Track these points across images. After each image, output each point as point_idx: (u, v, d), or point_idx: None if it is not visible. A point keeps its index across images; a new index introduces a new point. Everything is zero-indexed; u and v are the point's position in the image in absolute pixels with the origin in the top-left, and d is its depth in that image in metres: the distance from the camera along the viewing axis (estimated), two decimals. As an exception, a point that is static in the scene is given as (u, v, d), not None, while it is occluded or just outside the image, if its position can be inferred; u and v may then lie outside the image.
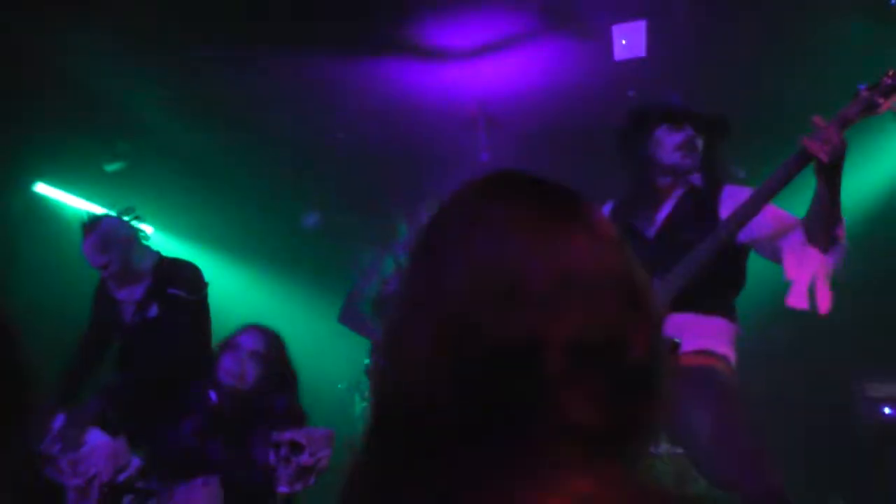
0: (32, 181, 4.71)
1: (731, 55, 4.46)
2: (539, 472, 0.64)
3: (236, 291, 5.31)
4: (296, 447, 1.85)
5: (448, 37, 4.47)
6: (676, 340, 2.10)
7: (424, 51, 4.55)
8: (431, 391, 0.68)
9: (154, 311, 3.05)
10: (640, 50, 4.51)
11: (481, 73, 4.75)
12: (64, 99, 4.39)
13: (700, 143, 2.52)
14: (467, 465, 0.65)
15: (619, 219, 2.56)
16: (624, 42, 4.49)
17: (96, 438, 2.41)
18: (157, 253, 3.29)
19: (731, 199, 2.45)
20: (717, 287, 2.46)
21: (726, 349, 2.43)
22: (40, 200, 4.75)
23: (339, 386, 5.05)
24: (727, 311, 2.50)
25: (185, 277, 3.11)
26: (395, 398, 0.72)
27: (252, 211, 5.62)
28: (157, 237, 5.55)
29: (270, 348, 2.81)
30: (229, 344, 2.80)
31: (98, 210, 4.27)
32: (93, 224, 3.09)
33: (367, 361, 5.14)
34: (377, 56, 4.60)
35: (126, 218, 3.19)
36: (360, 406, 5.04)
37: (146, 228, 5.43)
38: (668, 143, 2.49)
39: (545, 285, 0.68)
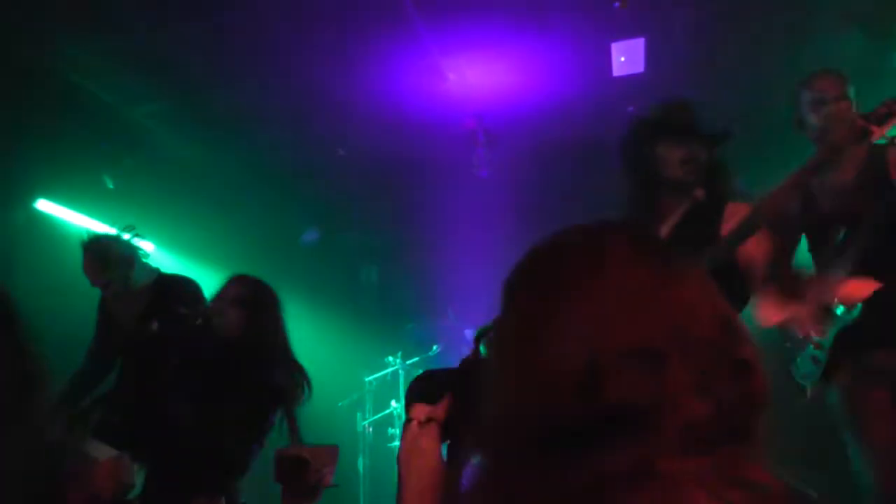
0: (34, 198, 4.71)
1: (728, 71, 4.50)
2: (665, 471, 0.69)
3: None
4: (300, 463, 1.85)
5: (447, 54, 4.50)
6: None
7: (423, 67, 4.58)
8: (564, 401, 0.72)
9: (154, 326, 3.06)
10: (639, 66, 4.56)
11: (481, 89, 4.78)
12: (66, 115, 4.41)
13: (703, 157, 2.50)
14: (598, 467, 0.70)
15: None
16: (623, 59, 4.53)
17: (98, 452, 2.39)
18: (157, 270, 3.32)
19: (734, 216, 2.43)
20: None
21: None
22: (41, 217, 4.75)
23: (340, 404, 5.03)
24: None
25: (184, 294, 3.13)
26: (522, 409, 0.76)
27: (253, 227, 5.63)
28: (159, 254, 5.55)
29: (254, 294, 2.82)
30: (215, 296, 2.85)
31: (99, 227, 4.28)
32: (92, 243, 3.12)
33: (367, 379, 5.14)
34: (377, 72, 4.62)
35: (126, 236, 3.20)
36: (362, 424, 5.02)
37: (147, 245, 5.48)
38: (671, 159, 2.46)
39: (666, 340, 0.74)
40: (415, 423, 1.12)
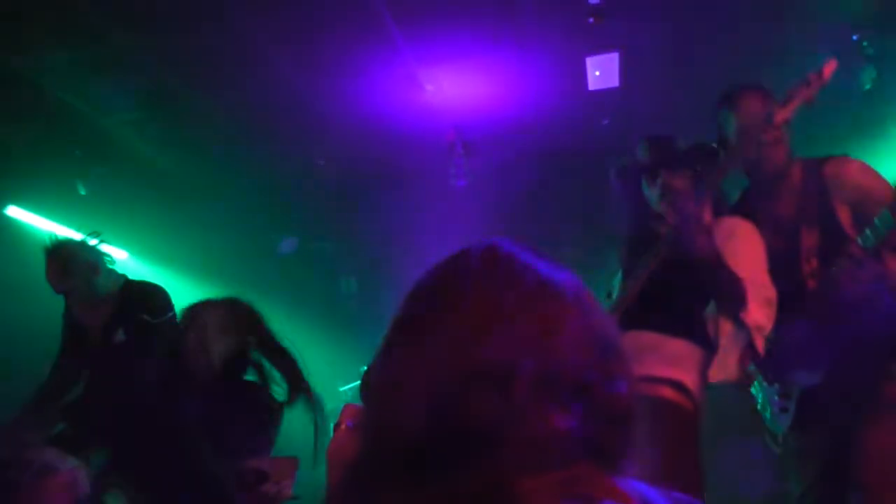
0: (4, 204, 4.66)
1: (701, 83, 4.53)
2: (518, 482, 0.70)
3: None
4: (259, 475, 1.83)
5: (425, 65, 4.52)
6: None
7: (401, 78, 4.59)
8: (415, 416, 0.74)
9: (120, 335, 3.02)
10: (614, 80, 4.60)
11: (458, 100, 4.80)
12: (37, 121, 4.37)
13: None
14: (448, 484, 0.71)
15: (624, 264, 2.58)
16: (598, 73, 4.57)
17: (56, 462, 2.35)
18: (123, 276, 3.25)
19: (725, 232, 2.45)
20: (678, 304, 2.41)
21: (686, 375, 2.36)
22: (12, 223, 4.70)
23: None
24: (692, 331, 2.44)
25: (150, 301, 3.08)
26: (385, 429, 0.77)
27: (227, 235, 5.59)
28: (132, 262, 5.50)
29: (237, 320, 2.58)
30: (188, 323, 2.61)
31: (70, 233, 4.23)
32: (55, 248, 3.04)
33: (342, 389, 5.11)
34: (355, 82, 4.63)
35: (91, 242, 3.15)
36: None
37: (120, 253, 5.42)
38: (650, 195, 2.52)
39: (530, 333, 0.75)
40: (342, 426, 1.12)
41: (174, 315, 3.07)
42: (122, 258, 5.43)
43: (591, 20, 4.25)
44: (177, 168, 5.17)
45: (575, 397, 0.74)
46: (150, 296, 3.09)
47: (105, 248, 3.24)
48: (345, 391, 5.25)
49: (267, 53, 4.30)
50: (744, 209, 2.55)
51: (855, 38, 4.17)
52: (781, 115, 2.27)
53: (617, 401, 0.77)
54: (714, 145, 2.56)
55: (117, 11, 3.83)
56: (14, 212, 4.71)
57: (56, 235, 3.20)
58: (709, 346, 2.40)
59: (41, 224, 4.83)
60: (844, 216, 2.33)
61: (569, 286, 0.82)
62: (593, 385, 0.76)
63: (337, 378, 5.34)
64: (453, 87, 4.71)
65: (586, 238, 4.65)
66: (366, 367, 5.46)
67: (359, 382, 5.07)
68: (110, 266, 3.18)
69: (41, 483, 2.06)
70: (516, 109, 4.78)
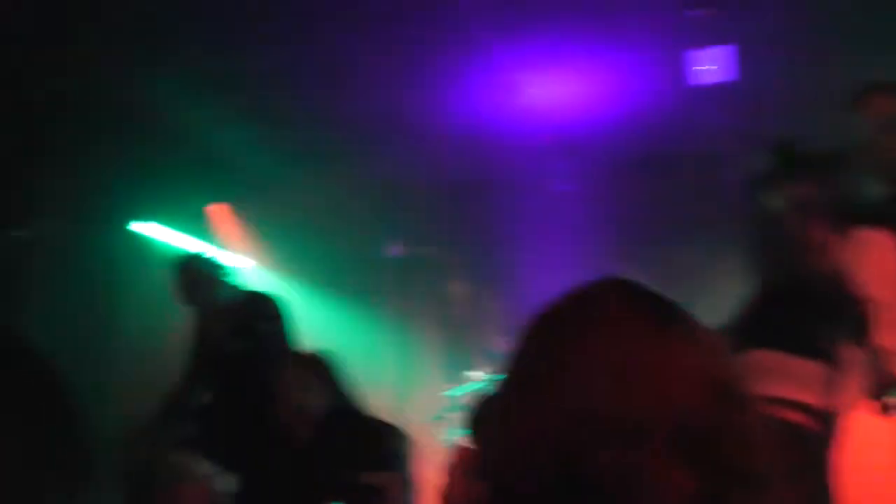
0: (130, 219, 5.00)
1: (823, 76, 4.26)
2: None
3: (324, 322, 5.48)
4: (369, 489, 1.87)
5: (522, 69, 4.48)
6: None
7: (500, 83, 4.58)
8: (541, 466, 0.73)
9: (239, 343, 3.18)
10: (729, 74, 4.39)
11: (561, 102, 4.73)
12: (157, 142, 4.66)
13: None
14: None
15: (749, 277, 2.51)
16: (707, 67, 4.38)
17: (192, 468, 2.49)
18: (240, 287, 3.44)
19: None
20: (805, 321, 2.30)
21: (815, 397, 2.23)
22: (138, 238, 5.03)
23: (420, 420, 5.05)
24: (821, 351, 2.31)
25: (265, 310, 3.24)
26: (508, 482, 0.76)
27: (342, 243, 5.78)
28: (255, 270, 5.80)
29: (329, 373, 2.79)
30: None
31: (197, 245, 4.50)
32: (180, 266, 3.28)
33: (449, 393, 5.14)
34: (455, 90, 4.66)
35: (210, 257, 3.35)
36: (449, 438, 5.03)
37: (243, 261, 5.73)
38: (774, 207, 2.41)
39: (654, 408, 0.73)
40: (457, 473, 1.10)
41: (285, 322, 3.22)
42: (247, 267, 5.76)
43: (699, 12, 4.11)
44: (293, 181, 5.40)
45: (704, 453, 0.72)
46: (265, 305, 3.25)
47: (230, 257, 3.43)
48: (450, 395, 5.29)
49: (368, 67, 4.41)
50: (882, 219, 2.38)
51: None
52: None
53: (740, 456, 0.74)
54: (845, 150, 2.41)
55: (219, 39, 4.04)
56: (139, 226, 5.04)
57: (182, 251, 3.44)
58: (846, 370, 2.27)
59: (166, 237, 5.15)
60: None
61: (696, 329, 0.80)
62: (721, 440, 0.73)
63: (443, 381, 5.40)
64: (554, 89, 4.64)
65: (698, 241, 4.48)
66: (470, 383, 5.52)
67: (464, 390, 5.11)
68: (229, 278, 3.37)
69: (178, 487, 2.21)
70: (621, 110, 4.65)
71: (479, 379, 5.18)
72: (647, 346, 0.75)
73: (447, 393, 5.27)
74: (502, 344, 4.97)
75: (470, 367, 5.32)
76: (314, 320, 5.37)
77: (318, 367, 2.79)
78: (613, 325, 0.77)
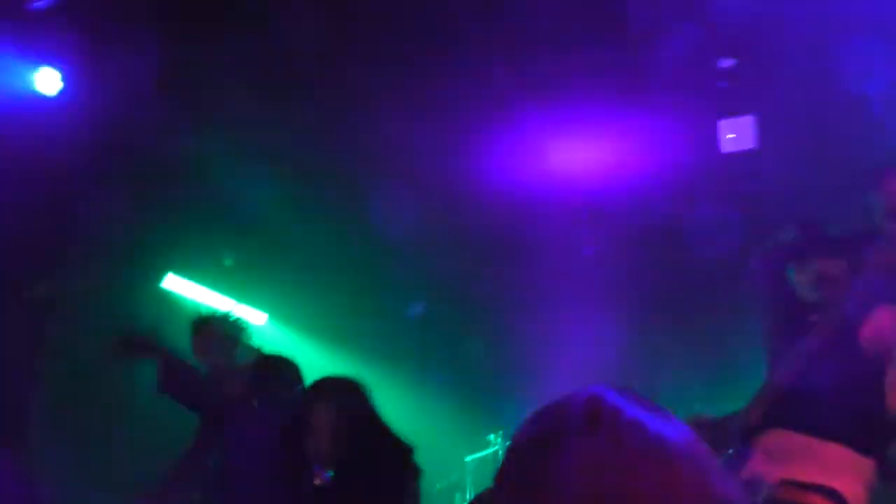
0: (162, 275, 5.07)
1: (839, 149, 4.26)
2: None
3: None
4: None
5: (551, 133, 4.54)
6: None
7: (528, 147, 4.64)
8: None
9: (253, 406, 3.17)
10: (749, 143, 4.42)
11: (586, 167, 4.76)
12: (189, 198, 4.75)
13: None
14: None
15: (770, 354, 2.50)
16: (732, 136, 4.42)
17: None
18: (259, 349, 3.44)
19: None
20: (836, 404, 2.26)
21: (841, 483, 2.18)
22: (168, 295, 5.10)
23: (437, 487, 4.97)
24: (852, 435, 2.27)
25: (282, 374, 3.23)
26: None
27: (358, 300, 5.79)
28: (271, 326, 5.80)
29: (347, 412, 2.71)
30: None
31: (218, 300, 4.53)
32: (200, 325, 3.29)
33: (467, 459, 5.06)
34: (482, 154, 4.72)
35: (231, 317, 3.37)
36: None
37: (261, 316, 5.76)
38: (799, 282, 2.43)
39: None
40: None
41: (303, 387, 3.20)
42: (261, 322, 5.77)
43: (724, 83, 4.17)
44: (313, 238, 5.45)
45: None
46: (282, 368, 3.25)
47: (246, 312, 3.45)
48: (470, 461, 5.21)
49: (395, 126, 4.49)
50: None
51: None
52: None
53: None
54: (868, 230, 2.40)
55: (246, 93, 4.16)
56: (170, 282, 5.12)
57: (201, 310, 3.46)
58: (872, 453, 2.22)
59: (193, 292, 5.21)
60: None
61: (683, 445, 0.76)
62: None
63: (458, 446, 5.32)
64: (579, 154, 4.69)
65: (721, 313, 4.44)
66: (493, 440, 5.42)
67: (484, 453, 5.03)
68: (248, 341, 3.38)
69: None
70: (643, 176, 4.68)
71: (495, 444, 5.10)
72: (622, 466, 0.71)
73: (467, 458, 5.20)
74: (519, 411, 4.91)
75: (489, 432, 5.25)
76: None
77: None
78: (584, 446, 0.73)
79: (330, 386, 2.77)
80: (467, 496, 5.04)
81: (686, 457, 0.74)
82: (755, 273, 2.65)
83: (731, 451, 2.33)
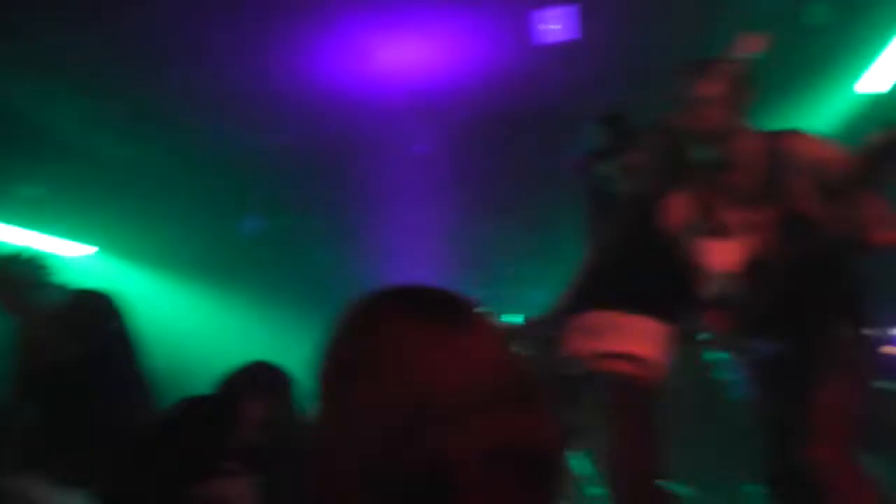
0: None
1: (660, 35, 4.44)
2: None
3: (180, 308, 5.26)
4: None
5: (373, 32, 4.41)
6: None
7: (351, 47, 4.49)
8: None
9: (73, 349, 2.97)
10: (571, 32, 4.50)
11: (412, 65, 4.70)
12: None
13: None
14: None
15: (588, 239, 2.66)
16: (553, 26, 4.48)
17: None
18: (68, 287, 3.18)
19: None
20: (640, 281, 2.47)
21: (644, 348, 2.41)
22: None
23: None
24: (655, 307, 2.48)
25: (99, 309, 3.04)
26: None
27: (193, 223, 5.51)
28: (99, 258, 5.45)
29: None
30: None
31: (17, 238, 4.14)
32: None
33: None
34: (304, 55, 4.53)
35: (29, 255, 3.07)
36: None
37: (88, 249, 5.36)
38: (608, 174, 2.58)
39: (448, 401, 0.75)
40: None
41: (125, 319, 3.04)
42: (90, 253, 5.39)
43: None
44: (136, 160, 5.09)
45: (512, 468, 0.75)
46: (94, 305, 3.04)
47: (68, 246, 3.14)
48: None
49: (212, 31, 4.20)
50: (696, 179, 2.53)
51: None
52: (706, 89, 2.24)
53: (547, 459, 0.79)
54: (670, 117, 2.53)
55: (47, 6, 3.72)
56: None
57: None
58: (674, 322, 2.46)
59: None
60: (802, 188, 2.30)
61: (480, 328, 0.83)
62: (526, 448, 0.77)
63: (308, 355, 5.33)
64: (404, 51, 4.61)
65: (549, 198, 4.64)
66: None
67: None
68: (51, 279, 3.09)
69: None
70: (470, 70, 4.69)
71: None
72: (435, 365, 0.78)
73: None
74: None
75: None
76: (169, 308, 5.15)
77: None
78: (397, 330, 0.81)
79: (265, 378, 2.74)
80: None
81: (483, 329, 0.82)
82: (571, 165, 2.78)
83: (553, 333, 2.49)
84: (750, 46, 2.25)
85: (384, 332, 0.81)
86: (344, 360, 0.84)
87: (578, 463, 3.45)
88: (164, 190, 5.21)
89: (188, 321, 5.03)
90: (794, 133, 2.37)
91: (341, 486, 0.77)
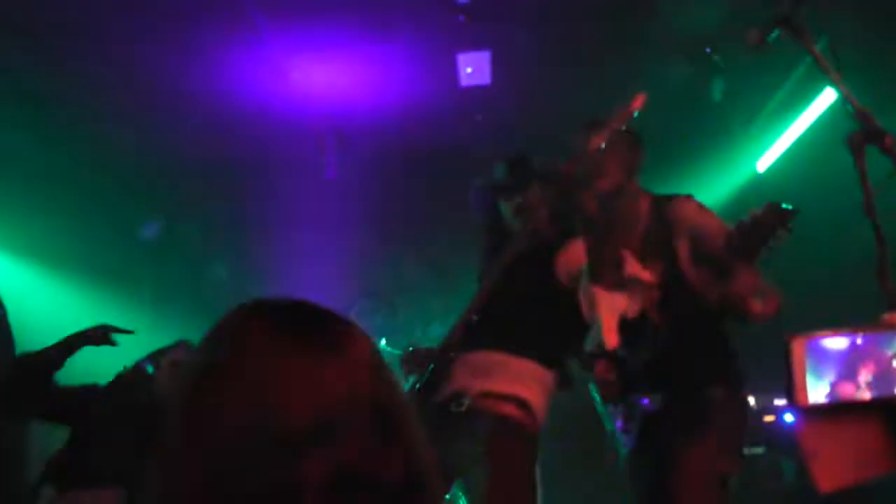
0: None
1: (568, 89, 4.65)
2: None
3: (69, 307, 5.00)
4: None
5: (291, 53, 4.40)
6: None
7: (267, 64, 4.44)
8: None
9: None
10: (485, 78, 4.64)
11: (328, 90, 4.70)
12: None
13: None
14: None
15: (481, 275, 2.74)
16: (469, 70, 4.60)
17: None
18: None
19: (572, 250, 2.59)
20: (528, 324, 2.52)
21: (529, 393, 2.46)
22: None
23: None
24: (540, 353, 2.52)
25: None
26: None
27: (87, 221, 5.25)
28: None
29: None
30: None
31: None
32: None
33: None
34: (220, 65, 4.45)
35: None
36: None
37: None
38: (506, 213, 2.67)
39: (299, 424, 0.73)
40: None
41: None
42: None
43: (462, 17, 4.28)
44: (29, 151, 4.81)
45: (361, 496, 0.74)
46: None
47: None
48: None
49: (127, 36, 4.09)
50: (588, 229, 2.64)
51: (708, 50, 4.39)
52: (593, 143, 2.37)
53: (402, 490, 0.77)
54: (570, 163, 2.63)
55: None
56: None
57: None
58: (557, 369, 2.52)
59: None
60: (683, 250, 2.43)
61: (349, 350, 0.81)
62: (378, 477, 0.76)
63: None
64: (321, 76, 4.61)
65: (453, 237, 4.71)
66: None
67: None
68: None
69: None
70: (386, 104, 4.74)
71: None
72: (292, 384, 0.76)
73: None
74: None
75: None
76: (56, 305, 4.90)
77: None
78: (259, 345, 0.78)
79: None
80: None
81: (346, 346, 0.81)
82: (472, 204, 2.83)
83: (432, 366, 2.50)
84: (633, 106, 2.38)
85: (247, 346, 0.79)
86: (202, 368, 0.81)
87: (454, 500, 3.47)
88: (67, 189, 4.96)
89: (68, 318, 4.76)
90: (681, 197, 2.51)
91: (185, 497, 0.74)
